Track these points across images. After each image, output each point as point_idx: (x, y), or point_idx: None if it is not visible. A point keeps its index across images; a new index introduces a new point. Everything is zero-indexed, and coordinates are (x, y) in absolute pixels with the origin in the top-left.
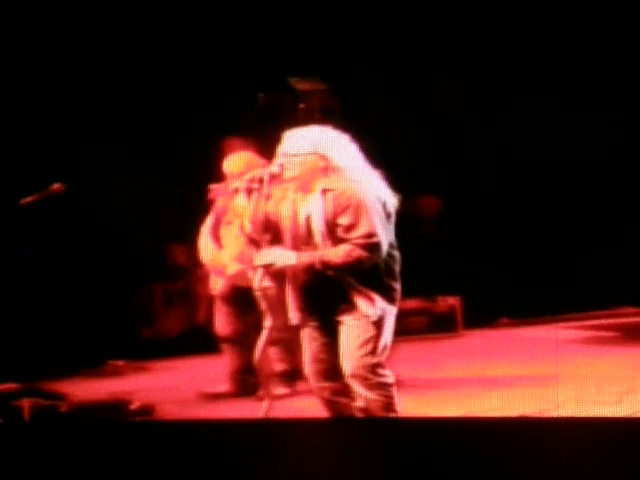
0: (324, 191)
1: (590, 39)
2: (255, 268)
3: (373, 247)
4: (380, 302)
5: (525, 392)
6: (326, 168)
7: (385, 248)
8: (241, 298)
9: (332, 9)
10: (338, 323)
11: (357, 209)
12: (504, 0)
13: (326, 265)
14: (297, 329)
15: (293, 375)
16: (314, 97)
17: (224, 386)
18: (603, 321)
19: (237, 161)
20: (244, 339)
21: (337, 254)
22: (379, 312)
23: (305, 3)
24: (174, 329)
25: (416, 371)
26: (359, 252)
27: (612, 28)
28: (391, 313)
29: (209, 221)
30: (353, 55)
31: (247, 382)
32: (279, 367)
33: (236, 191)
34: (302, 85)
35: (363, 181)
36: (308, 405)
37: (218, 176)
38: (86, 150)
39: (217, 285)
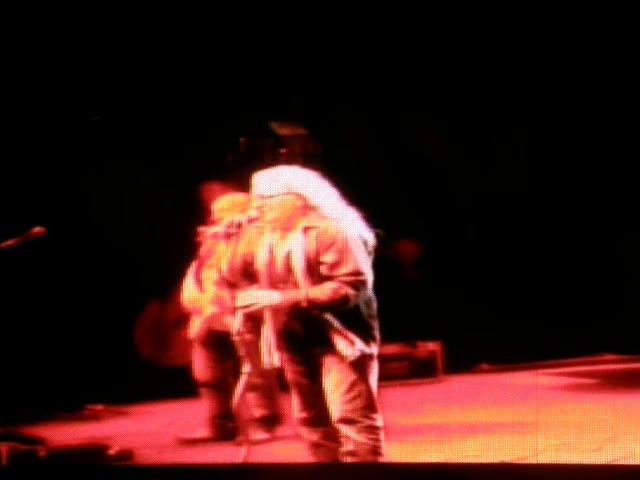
0: (306, 229)
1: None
2: (234, 311)
3: (359, 285)
4: (359, 343)
5: (504, 438)
6: (304, 207)
7: (370, 286)
8: (218, 343)
9: (315, 54)
10: (320, 366)
11: (342, 247)
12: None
13: (312, 303)
14: (273, 375)
15: (272, 420)
16: (295, 141)
17: (202, 431)
18: (582, 368)
19: (229, 203)
20: (222, 384)
21: (323, 292)
22: (358, 353)
23: (289, 47)
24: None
25: (396, 416)
26: (346, 290)
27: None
28: (372, 352)
29: (193, 264)
30: (334, 100)
31: (226, 427)
32: (258, 412)
33: (215, 236)
34: (283, 130)
35: (342, 219)
36: (287, 450)
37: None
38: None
39: (194, 328)
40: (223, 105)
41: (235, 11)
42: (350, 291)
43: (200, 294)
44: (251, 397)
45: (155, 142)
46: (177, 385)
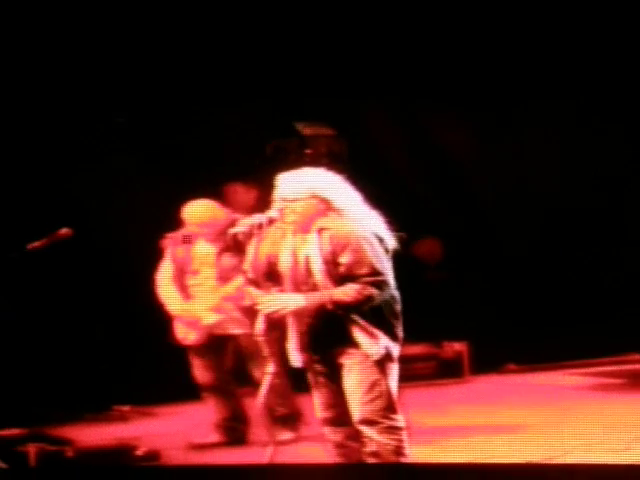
0: (320, 230)
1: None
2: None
3: (381, 284)
4: (383, 339)
5: (531, 439)
6: (326, 210)
7: (392, 283)
8: (217, 347)
9: (342, 54)
10: (341, 366)
11: (356, 246)
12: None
13: (337, 304)
14: (286, 374)
15: (293, 419)
16: (320, 142)
17: (214, 436)
18: (609, 368)
19: (198, 210)
20: (225, 386)
21: (347, 293)
22: (382, 350)
23: (314, 46)
24: None
25: (422, 417)
26: (369, 290)
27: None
28: (395, 353)
29: (168, 270)
30: (360, 99)
31: (236, 430)
32: (278, 412)
33: (235, 236)
34: (308, 130)
35: (361, 220)
36: (313, 451)
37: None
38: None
39: (190, 336)
40: (247, 105)
41: (256, 11)
42: (373, 291)
43: (189, 303)
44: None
45: (177, 146)
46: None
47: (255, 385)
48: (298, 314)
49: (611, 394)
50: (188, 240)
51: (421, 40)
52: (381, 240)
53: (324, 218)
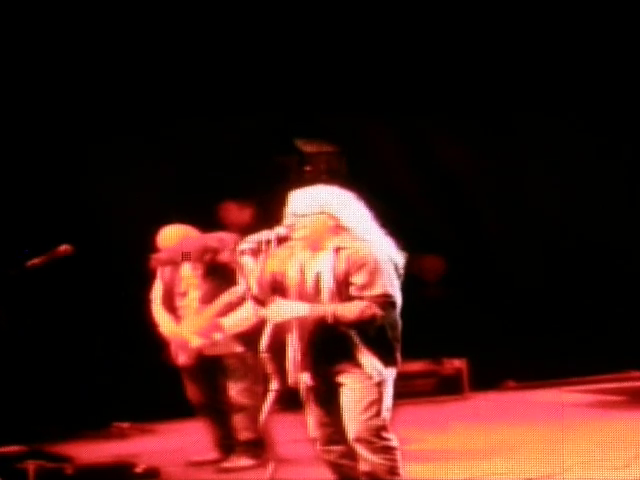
0: (337, 249)
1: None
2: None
3: (387, 306)
4: (385, 361)
5: (530, 456)
6: (336, 227)
7: (399, 308)
8: (207, 368)
9: (345, 71)
10: (339, 385)
11: (373, 269)
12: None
13: (338, 320)
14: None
15: (259, 445)
16: (320, 159)
17: (212, 454)
18: (609, 385)
19: (171, 235)
20: (217, 406)
21: (351, 310)
22: (383, 372)
23: (317, 63)
24: None
25: (422, 434)
26: (374, 310)
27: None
28: (392, 376)
29: (158, 291)
30: (362, 117)
31: (233, 447)
32: (244, 435)
33: (242, 253)
34: (308, 147)
35: (373, 240)
36: (315, 470)
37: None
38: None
39: (180, 357)
40: (247, 121)
41: (259, 26)
42: (377, 312)
43: (177, 325)
44: (239, 419)
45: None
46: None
47: (228, 405)
48: (301, 329)
49: (611, 411)
50: (171, 262)
51: (429, 57)
52: (395, 266)
53: (340, 237)
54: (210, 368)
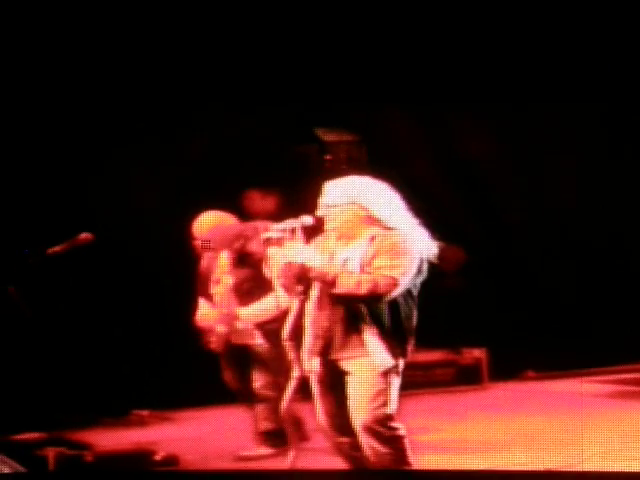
0: (372, 238)
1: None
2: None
3: (390, 289)
4: (393, 355)
5: (549, 446)
6: (368, 218)
7: (415, 304)
8: (236, 355)
9: (362, 61)
10: (348, 374)
11: (395, 255)
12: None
13: (332, 283)
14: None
15: (279, 435)
16: (340, 148)
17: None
18: (629, 375)
19: (205, 221)
20: (249, 394)
21: (350, 279)
22: (392, 362)
23: (336, 52)
24: None
25: (440, 423)
26: (373, 286)
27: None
28: (401, 367)
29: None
30: (382, 105)
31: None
32: (263, 426)
33: (267, 241)
34: (328, 136)
35: (407, 231)
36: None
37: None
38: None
39: (210, 342)
40: (266, 111)
41: (275, 17)
42: (376, 289)
43: (211, 310)
44: (260, 409)
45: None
46: (222, 391)
47: (252, 396)
48: (316, 318)
49: (630, 402)
50: (207, 248)
51: (450, 44)
52: (421, 261)
53: (375, 227)
54: (241, 355)
